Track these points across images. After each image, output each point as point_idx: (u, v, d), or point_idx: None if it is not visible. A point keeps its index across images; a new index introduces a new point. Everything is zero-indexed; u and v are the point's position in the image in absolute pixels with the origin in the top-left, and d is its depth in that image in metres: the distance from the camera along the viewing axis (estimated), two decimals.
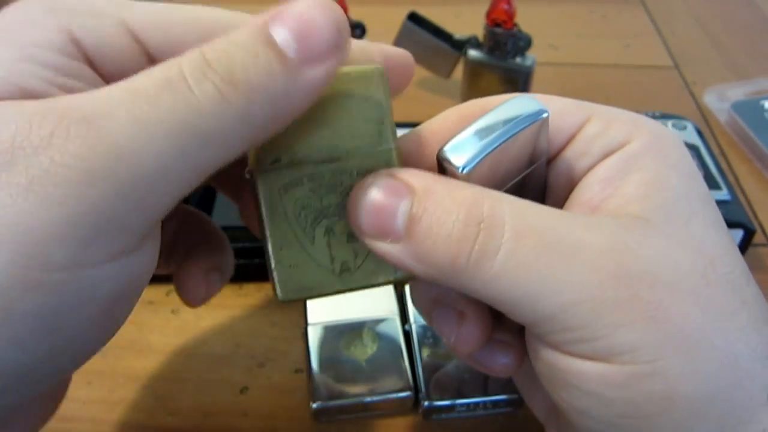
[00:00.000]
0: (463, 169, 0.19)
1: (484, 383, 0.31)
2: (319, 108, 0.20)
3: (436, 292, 0.23)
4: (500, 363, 0.23)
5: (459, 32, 0.49)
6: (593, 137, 0.21)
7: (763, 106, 0.50)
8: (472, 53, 0.48)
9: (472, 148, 0.19)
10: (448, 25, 0.50)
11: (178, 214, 0.28)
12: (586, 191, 0.21)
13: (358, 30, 0.48)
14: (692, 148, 0.42)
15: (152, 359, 0.33)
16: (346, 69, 0.20)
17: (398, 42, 0.49)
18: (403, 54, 0.23)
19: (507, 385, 0.31)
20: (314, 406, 0.30)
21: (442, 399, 0.31)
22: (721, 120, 0.51)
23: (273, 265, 0.20)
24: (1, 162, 0.15)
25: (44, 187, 0.15)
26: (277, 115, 0.17)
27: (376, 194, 0.19)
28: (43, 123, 0.15)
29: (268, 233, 0.20)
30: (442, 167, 0.20)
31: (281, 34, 0.17)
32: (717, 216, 0.20)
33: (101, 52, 0.19)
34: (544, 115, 0.20)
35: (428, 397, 0.31)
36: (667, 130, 0.22)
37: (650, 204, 0.19)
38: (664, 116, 0.44)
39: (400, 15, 0.48)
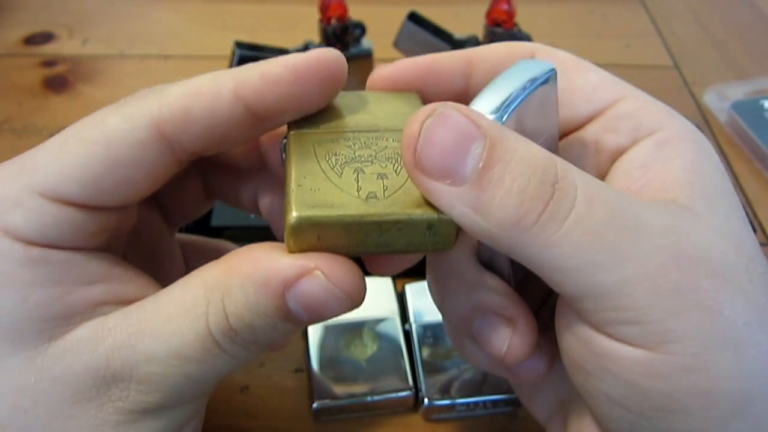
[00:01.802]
0: (501, 120, 0.18)
1: (483, 383, 0.31)
2: (357, 103, 0.22)
3: (477, 299, 0.21)
4: (533, 368, 0.22)
5: (459, 32, 0.49)
6: (624, 116, 0.21)
7: (763, 106, 0.50)
8: None
9: (498, 102, 0.18)
10: (448, 25, 0.50)
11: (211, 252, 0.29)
12: (623, 177, 0.20)
13: (358, 30, 0.48)
14: None
15: None
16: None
17: (398, 42, 0.49)
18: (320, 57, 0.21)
19: (506, 385, 0.31)
20: (314, 406, 0.30)
21: (442, 399, 0.31)
22: (721, 120, 0.51)
23: (293, 189, 0.18)
24: None
25: None
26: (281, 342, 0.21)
27: (445, 126, 0.17)
28: (115, 383, 0.19)
29: (292, 169, 0.19)
30: None
31: (296, 308, 0.18)
32: (745, 215, 0.20)
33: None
34: (552, 72, 0.20)
35: (428, 397, 0.31)
36: (692, 125, 0.21)
37: (693, 192, 0.19)
38: None
39: (400, 15, 0.48)
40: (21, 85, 0.54)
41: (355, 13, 0.48)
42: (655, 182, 0.19)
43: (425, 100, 0.22)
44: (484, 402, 0.31)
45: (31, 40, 0.60)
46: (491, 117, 0.18)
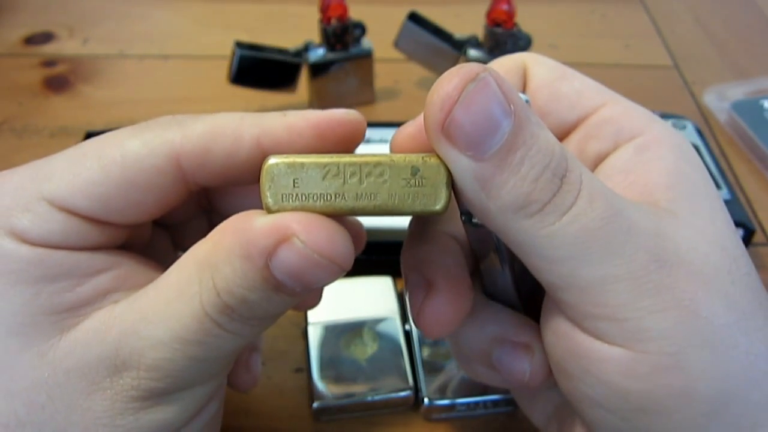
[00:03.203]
0: None
1: (483, 383, 0.31)
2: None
3: (492, 332, 0.22)
4: (536, 376, 0.22)
5: (459, 32, 0.49)
6: (605, 122, 0.21)
7: (763, 106, 0.50)
8: (472, 53, 0.48)
9: None
10: (448, 25, 0.50)
11: None
12: (607, 180, 0.20)
13: (358, 30, 0.48)
14: None
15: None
16: None
17: (398, 42, 0.49)
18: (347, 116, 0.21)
19: None
20: (314, 406, 0.30)
21: (442, 399, 0.31)
22: (721, 120, 0.51)
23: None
24: None
25: None
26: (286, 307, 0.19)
27: (485, 99, 0.16)
28: (127, 370, 0.19)
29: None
30: None
31: (284, 279, 0.17)
32: (729, 217, 0.20)
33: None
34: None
35: (428, 397, 0.31)
36: (674, 129, 0.22)
37: (674, 194, 0.19)
38: (664, 116, 0.44)
39: (400, 15, 0.48)
40: (21, 85, 0.54)
41: (355, 13, 0.48)
42: (637, 186, 0.20)
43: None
44: (484, 402, 0.31)
45: (31, 40, 0.60)
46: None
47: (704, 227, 0.19)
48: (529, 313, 0.23)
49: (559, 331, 0.19)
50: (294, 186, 0.17)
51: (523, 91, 0.23)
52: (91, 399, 0.18)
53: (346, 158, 0.17)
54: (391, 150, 0.21)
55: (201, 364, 0.19)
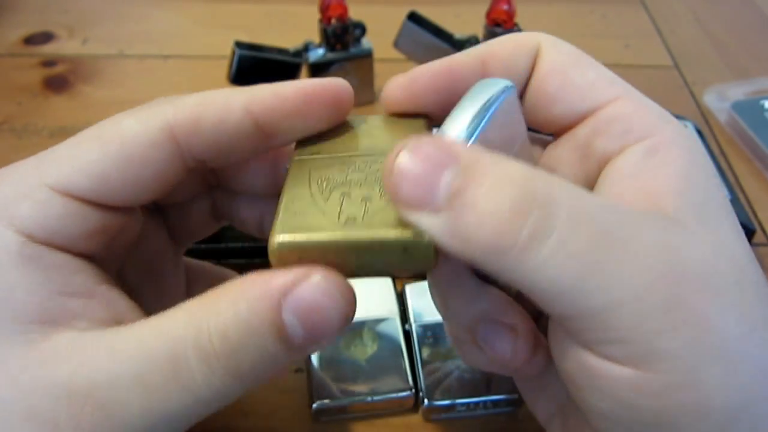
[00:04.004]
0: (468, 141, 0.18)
1: (484, 383, 0.31)
2: (363, 128, 0.23)
3: (479, 310, 0.22)
4: (534, 365, 0.22)
5: (459, 32, 0.49)
6: (615, 119, 0.21)
7: (763, 106, 0.50)
8: None
9: (466, 124, 0.19)
10: (448, 25, 0.50)
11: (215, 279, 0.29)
12: (613, 186, 0.20)
13: (358, 30, 0.48)
14: None
15: None
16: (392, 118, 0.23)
17: (398, 42, 0.49)
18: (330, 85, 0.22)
19: (507, 385, 0.31)
20: (314, 406, 0.30)
21: (442, 399, 0.31)
22: (721, 120, 0.51)
23: (279, 213, 0.19)
24: None
25: None
26: (264, 379, 0.18)
27: (417, 158, 0.17)
28: (70, 403, 0.17)
29: (284, 194, 0.20)
30: None
31: (291, 321, 0.17)
32: (738, 223, 0.19)
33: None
34: (511, 88, 0.20)
35: (428, 397, 0.31)
36: (688, 130, 0.21)
37: (682, 202, 0.19)
38: None
39: (400, 15, 0.48)
40: (21, 85, 0.54)
41: (355, 13, 0.48)
42: (645, 192, 0.19)
43: (445, 105, 0.22)
44: (484, 402, 0.31)
45: (31, 40, 0.60)
46: (463, 140, 0.19)
47: (712, 236, 0.18)
48: (518, 299, 0.23)
49: (567, 351, 0.19)
50: (299, 262, 0.18)
51: (530, 74, 0.22)
52: (28, 425, 0.17)
53: (342, 239, 0.18)
54: (382, 97, 0.23)
55: (154, 418, 0.17)
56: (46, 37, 0.60)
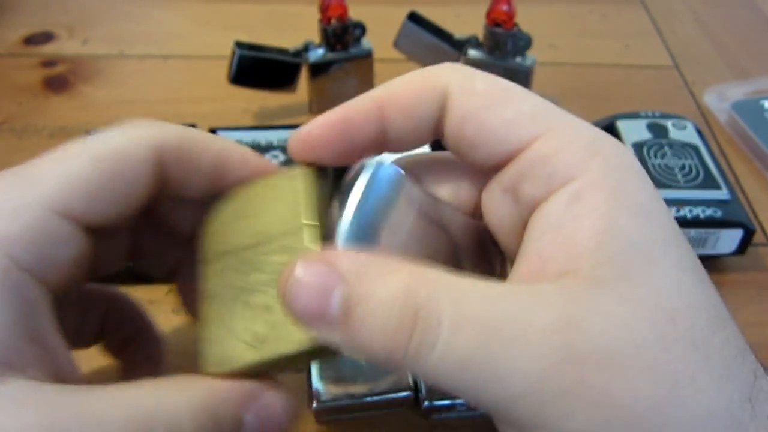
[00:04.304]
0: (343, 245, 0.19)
1: None
2: (244, 203, 0.23)
3: None
4: None
5: (459, 32, 0.49)
6: (538, 161, 0.20)
7: (763, 106, 0.50)
8: (472, 53, 0.48)
9: (356, 227, 0.20)
10: (448, 25, 0.50)
11: (103, 300, 0.28)
12: (537, 239, 0.19)
13: (358, 30, 0.48)
14: (692, 148, 0.42)
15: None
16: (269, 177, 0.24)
17: (398, 42, 0.49)
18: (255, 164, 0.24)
19: None
20: (314, 406, 0.30)
21: (442, 399, 0.31)
22: (721, 120, 0.51)
23: (201, 346, 0.22)
24: None
25: None
26: None
27: (307, 282, 0.18)
28: None
29: (202, 315, 0.23)
30: None
31: (250, 422, 0.20)
32: (683, 256, 0.18)
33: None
34: (400, 177, 0.21)
35: (428, 397, 0.31)
36: (624, 152, 0.20)
37: (602, 257, 0.18)
38: (664, 116, 0.44)
39: (400, 15, 0.48)
40: (21, 85, 0.54)
41: (355, 13, 0.48)
42: (565, 247, 0.18)
43: (341, 155, 0.22)
44: None
45: (31, 40, 0.60)
46: (349, 245, 0.19)
47: (633, 292, 0.17)
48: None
49: (501, 427, 0.19)
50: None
51: (441, 116, 0.21)
52: None
53: (257, 362, 0.20)
54: (288, 149, 0.23)
55: None
56: (46, 37, 0.60)
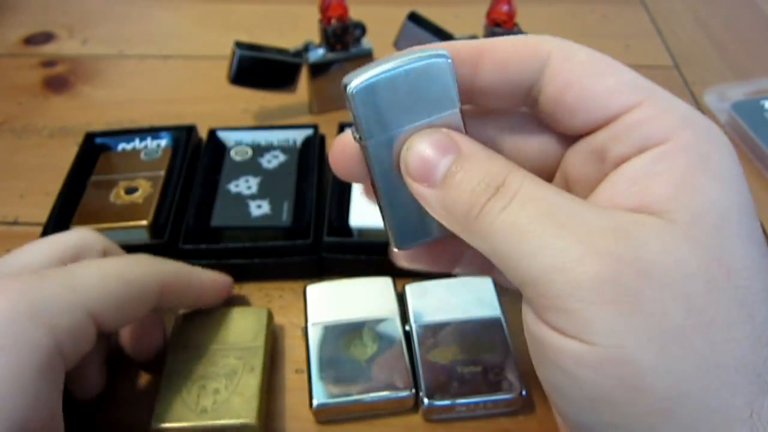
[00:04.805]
0: (353, 90, 0.20)
1: (484, 383, 0.31)
2: (218, 318, 0.34)
3: None
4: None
5: (459, 32, 0.49)
6: (635, 125, 0.20)
7: (763, 106, 0.50)
8: None
9: (367, 74, 0.21)
10: (448, 25, 0.50)
11: None
12: (610, 188, 0.20)
13: (358, 30, 0.48)
14: None
15: (152, 359, 0.33)
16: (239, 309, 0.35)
17: (398, 42, 0.49)
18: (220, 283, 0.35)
19: (507, 385, 0.31)
20: (314, 406, 0.30)
21: (442, 399, 0.31)
22: (721, 120, 0.51)
23: (157, 403, 0.30)
24: None
25: None
26: None
27: (427, 145, 0.21)
28: None
29: (162, 385, 0.31)
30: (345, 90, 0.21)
31: None
32: (754, 229, 0.19)
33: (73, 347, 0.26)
34: (443, 59, 0.21)
35: (428, 397, 0.31)
36: (717, 129, 0.20)
37: (677, 205, 0.19)
38: None
39: (400, 15, 0.48)
40: (21, 85, 0.54)
41: (355, 13, 0.48)
42: (638, 196, 0.20)
43: None
44: (484, 402, 0.31)
45: (31, 40, 0.60)
46: (352, 84, 0.21)
47: (700, 237, 0.18)
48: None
49: (526, 321, 0.20)
50: None
51: (538, 82, 0.22)
52: None
53: (198, 426, 0.30)
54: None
55: None
56: (46, 37, 0.60)
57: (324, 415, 0.31)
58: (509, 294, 0.35)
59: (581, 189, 0.23)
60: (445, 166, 0.21)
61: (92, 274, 0.27)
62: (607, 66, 0.21)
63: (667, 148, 0.20)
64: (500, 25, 0.46)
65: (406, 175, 0.22)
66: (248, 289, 0.38)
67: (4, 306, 0.24)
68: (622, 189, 0.20)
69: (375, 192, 0.23)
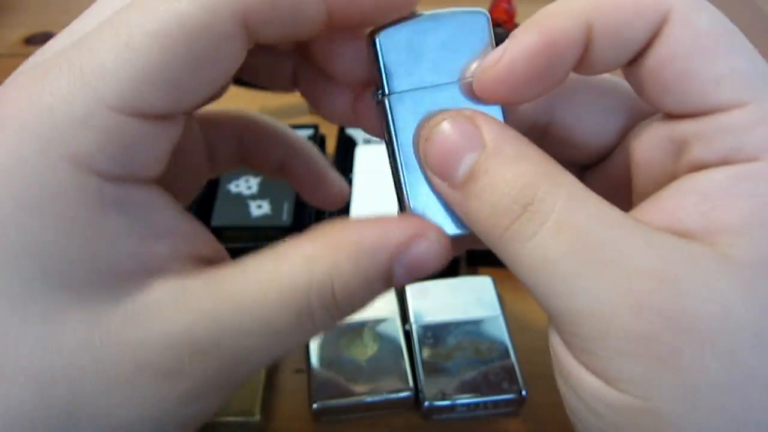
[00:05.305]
0: (379, 36, 0.19)
1: (484, 383, 0.31)
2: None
3: None
4: None
5: None
6: (728, 129, 0.17)
7: None
8: None
9: (396, 24, 0.19)
10: None
11: (234, 126, 0.28)
12: (677, 198, 0.18)
13: None
14: None
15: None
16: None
17: None
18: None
19: (507, 385, 0.31)
20: (314, 406, 0.30)
21: (442, 399, 0.31)
22: None
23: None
24: None
25: None
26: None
27: (449, 135, 0.18)
28: (194, 352, 0.18)
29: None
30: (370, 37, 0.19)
31: (399, 272, 0.19)
32: None
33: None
34: (480, 14, 0.19)
35: (428, 397, 0.31)
36: None
37: (743, 240, 0.16)
38: None
39: None
40: None
41: None
42: (704, 219, 0.17)
43: (546, 92, 0.20)
44: (484, 402, 0.31)
45: (31, 40, 0.60)
46: (379, 31, 0.19)
47: (760, 285, 0.16)
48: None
49: (552, 341, 0.19)
50: None
51: (647, 44, 0.18)
52: (143, 377, 0.17)
53: None
54: (475, 87, 0.20)
55: (279, 354, 0.19)
56: (46, 37, 0.59)
57: (324, 415, 0.31)
58: (509, 294, 0.36)
59: (644, 175, 0.20)
60: (468, 166, 0.18)
61: (102, 43, 0.17)
62: (726, 44, 0.18)
63: (755, 168, 0.17)
64: (501, 25, 0.46)
65: (426, 168, 0.19)
66: None
67: None
68: (689, 203, 0.17)
69: (393, 165, 0.20)
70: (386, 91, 0.19)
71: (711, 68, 0.17)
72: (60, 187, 0.16)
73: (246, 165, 0.27)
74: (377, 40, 0.19)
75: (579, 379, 0.17)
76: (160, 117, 0.17)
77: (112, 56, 0.16)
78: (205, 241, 0.20)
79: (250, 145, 0.27)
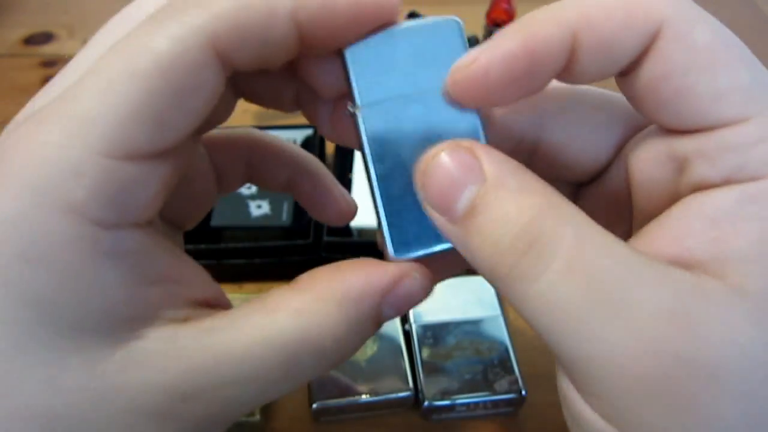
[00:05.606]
0: (347, 49, 0.19)
1: (484, 383, 0.31)
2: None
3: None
4: None
5: None
6: (731, 147, 0.16)
7: None
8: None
9: (367, 36, 0.19)
10: None
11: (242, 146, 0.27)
12: (683, 224, 0.17)
13: None
14: None
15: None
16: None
17: None
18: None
19: (507, 385, 0.31)
20: (314, 406, 0.30)
21: (442, 399, 0.31)
22: None
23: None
24: None
25: None
26: None
27: (447, 167, 0.17)
28: (184, 399, 0.18)
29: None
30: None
31: (388, 312, 0.19)
32: None
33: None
34: (452, 20, 0.19)
35: (428, 397, 0.31)
36: None
37: (754, 269, 0.16)
38: None
39: (399, 15, 0.48)
40: (21, 85, 0.54)
41: None
42: (713, 247, 0.16)
43: (523, 97, 0.19)
44: (484, 402, 0.31)
45: (31, 40, 0.60)
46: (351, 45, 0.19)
47: None
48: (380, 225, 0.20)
49: (559, 380, 0.18)
50: None
51: (638, 55, 0.17)
52: (136, 419, 0.18)
53: None
54: (449, 86, 0.19)
55: (268, 401, 0.19)
56: (46, 37, 0.60)
57: (323, 415, 0.31)
58: None
59: (644, 193, 0.19)
60: (468, 199, 0.17)
61: (83, 90, 0.17)
62: (726, 57, 0.17)
63: (762, 187, 0.16)
64: (500, 25, 0.46)
65: (424, 202, 0.18)
66: (248, 289, 0.38)
67: None
68: (697, 230, 0.17)
69: (368, 179, 0.19)
70: (357, 104, 0.19)
71: (710, 84, 0.17)
72: (56, 237, 0.16)
73: (253, 183, 0.27)
74: (346, 53, 0.19)
75: (587, 421, 0.17)
76: (150, 156, 0.17)
77: (96, 102, 0.16)
78: (201, 282, 0.20)
79: (257, 165, 0.27)
